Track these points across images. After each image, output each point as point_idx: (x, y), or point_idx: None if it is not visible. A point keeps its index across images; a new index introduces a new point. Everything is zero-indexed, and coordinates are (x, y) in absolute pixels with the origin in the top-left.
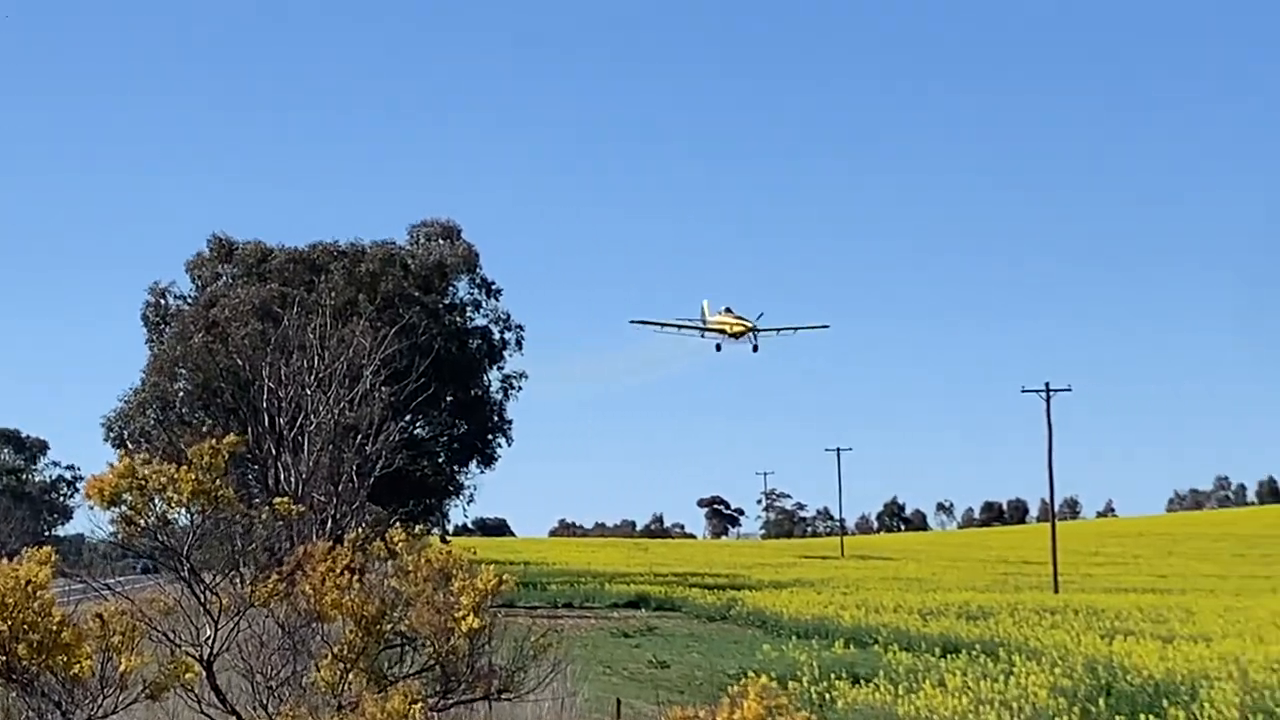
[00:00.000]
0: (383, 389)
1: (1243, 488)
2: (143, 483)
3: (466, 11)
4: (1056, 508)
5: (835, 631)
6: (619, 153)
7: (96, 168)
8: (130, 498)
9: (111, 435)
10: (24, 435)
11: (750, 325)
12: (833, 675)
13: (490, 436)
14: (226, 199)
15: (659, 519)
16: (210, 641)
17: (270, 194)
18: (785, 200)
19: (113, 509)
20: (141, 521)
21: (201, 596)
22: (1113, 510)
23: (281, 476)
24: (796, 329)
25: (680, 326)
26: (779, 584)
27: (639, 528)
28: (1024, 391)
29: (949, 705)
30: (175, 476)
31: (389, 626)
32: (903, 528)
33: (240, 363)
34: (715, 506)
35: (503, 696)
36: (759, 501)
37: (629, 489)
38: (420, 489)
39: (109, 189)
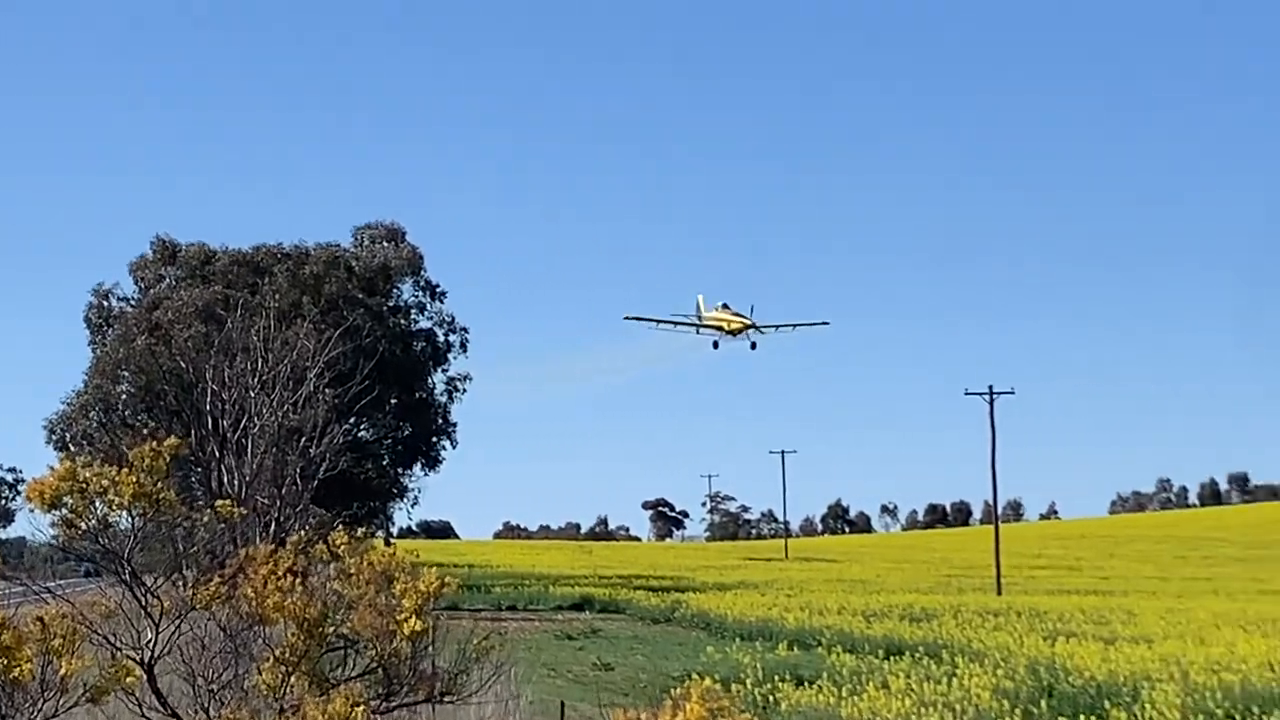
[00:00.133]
0: (327, 391)
1: (1184, 490)
2: (84, 485)
3: (413, 13)
4: (1000, 510)
5: (779, 633)
6: (571, 154)
7: (40, 169)
8: (71, 500)
9: (54, 438)
10: None
11: (750, 322)
12: (776, 677)
13: (434, 439)
14: (170, 201)
15: (604, 521)
16: (151, 645)
17: (214, 196)
18: (751, 200)
19: (54, 512)
20: (83, 524)
21: (143, 599)
22: (1055, 512)
23: (225, 479)
24: (795, 326)
25: (676, 323)
26: (723, 586)
27: (584, 530)
28: (967, 394)
29: (892, 707)
30: (116, 479)
31: (331, 629)
32: (847, 530)
33: (183, 365)
34: (660, 509)
35: (445, 699)
36: (704, 504)
37: (574, 491)
38: (364, 491)
39: (52, 190)
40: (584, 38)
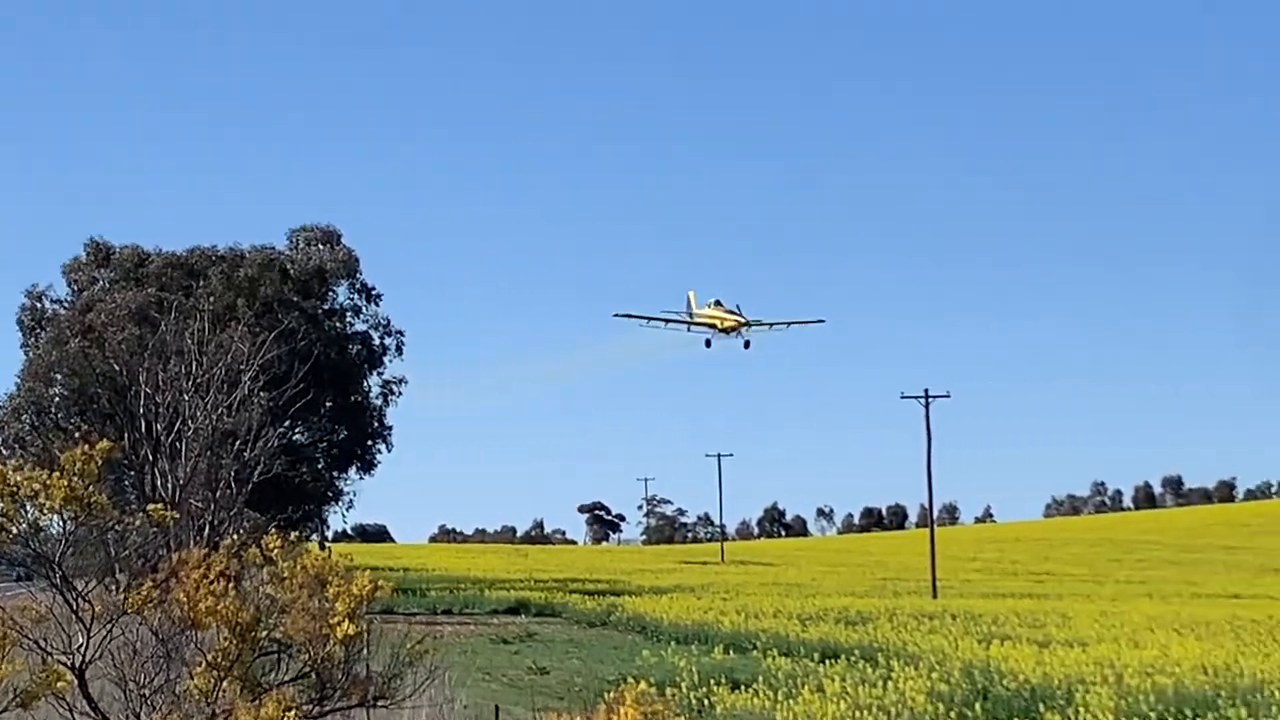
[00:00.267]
0: (261, 394)
1: (1119, 494)
2: (15, 489)
3: (348, 14)
4: (935, 514)
5: (715, 637)
6: (512, 155)
7: None
8: (2, 504)
9: None
10: None
11: (743, 320)
12: (712, 681)
13: (370, 442)
14: (104, 203)
15: (540, 525)
16: (83, 649)
17: (148, 198)
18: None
19: None
20: (13, 528)
21: (74, 604)
22: (991, 516)
23: (158, 483)
24: (790, 324)
25: (667, 321)
26: (659, 590)
27: (520, 534)
28: (904, 398)
29: (828, 710)
30: (48, 483)
31: (264, 633)
32: (783, 533)
33: (117, 368)
34: (596, 513)
35: (379, 703)
36: (640, 507)
37: (510, 495)
38: (299, 495)
39: None
40: (536, 36)
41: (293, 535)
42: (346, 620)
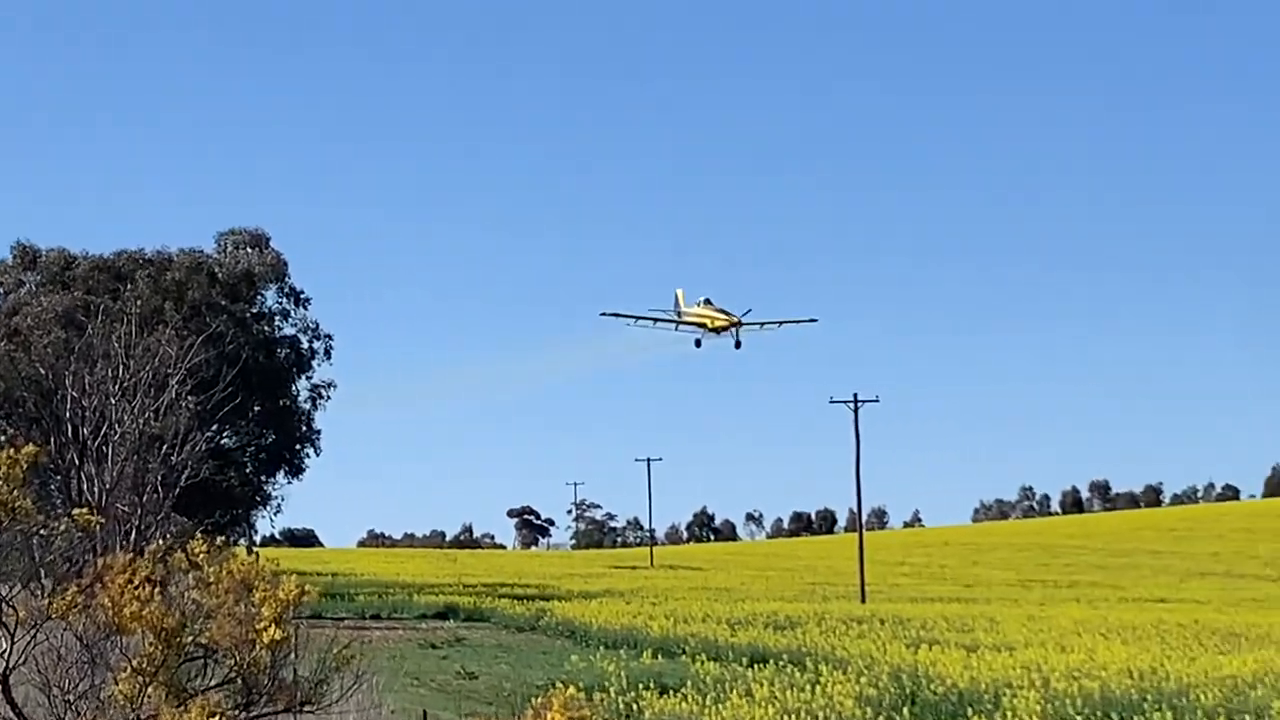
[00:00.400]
0: (189, 398)
1: (1046, 498)
2: None
3: (279, 16)
4: (864, 518)
5: (644, 642)
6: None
7: None
8: None
9: None
10: None
11: (735, 319)
12: (640, 685)
13: (298, 446)
14: (30, 206)
15: (468, 529)
16: (6, 655)
17: (75, 201)
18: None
19: None
20: None
21: None
22: (919, 520)
23: (84, 487)
24: (781, 323)
25: (655, 320)
26: (588, 594)
27: (449, 538)
28: (832, 402)
29: (756, 715)
30: None
31: (190, 639)
32: (712, 538)
33: (43, 371)
34: (525, 517)
35: (305, 709)
36: (569, 512)
37: (439, 500)
38: (227, 500)
39: None
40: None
41: (220, 540)
42: (273, 625)
